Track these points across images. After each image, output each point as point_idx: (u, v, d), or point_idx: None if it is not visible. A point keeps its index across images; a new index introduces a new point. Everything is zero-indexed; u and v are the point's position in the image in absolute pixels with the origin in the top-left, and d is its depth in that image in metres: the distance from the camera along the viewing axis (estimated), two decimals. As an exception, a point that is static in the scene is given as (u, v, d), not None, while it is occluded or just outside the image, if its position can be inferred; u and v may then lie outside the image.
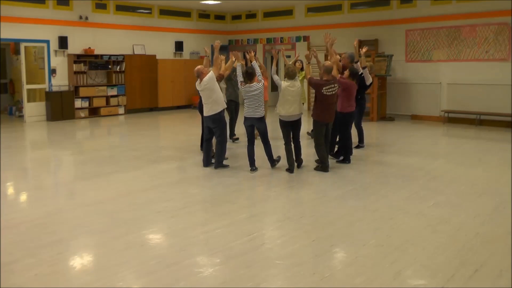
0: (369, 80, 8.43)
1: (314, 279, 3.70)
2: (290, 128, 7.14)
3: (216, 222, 5.14)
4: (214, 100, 7.13)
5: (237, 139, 9.84)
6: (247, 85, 7.04)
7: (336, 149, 7.97)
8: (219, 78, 7.81)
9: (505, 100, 11.61)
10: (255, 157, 7.23)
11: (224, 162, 7.46)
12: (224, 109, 7.29)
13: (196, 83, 7.29)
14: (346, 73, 7.71)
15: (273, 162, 7.29)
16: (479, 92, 12.10)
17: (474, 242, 4.46)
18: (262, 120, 7.08)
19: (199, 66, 7.31)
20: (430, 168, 7.46)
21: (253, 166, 7.14)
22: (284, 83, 6.98)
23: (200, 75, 7.18)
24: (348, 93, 7.61)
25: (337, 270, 3.89)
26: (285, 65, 7.19)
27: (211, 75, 7.11)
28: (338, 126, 7.66)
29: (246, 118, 7.09)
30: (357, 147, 8.88)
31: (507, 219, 5.04)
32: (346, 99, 7.62)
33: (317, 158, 7.32)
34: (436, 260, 4.03)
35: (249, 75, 7.04)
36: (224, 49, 18.51)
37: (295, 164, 7.19)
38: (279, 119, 7.14)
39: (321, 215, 5.30)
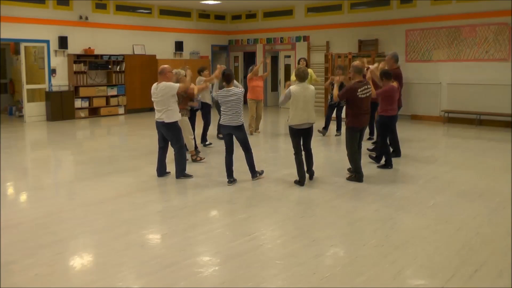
0: None
1: (314, 279, 3.70)
2: (301, 136, 6.46)
3: (216, 222, 5.14)
4: (169, 111, 6.57)
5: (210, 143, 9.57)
6: (225, 89, 6.45)
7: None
8: (187, 97, 7.29)
9: (505, 100, 11.61)
10: (253, 165, 6.76)
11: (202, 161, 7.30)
12: (178, 120, 6.74)
13: (153, 86, 6.65)
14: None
15: (254, 173, 6.67)
16: (479, 92, 12.10)
17: (474, 242, 4.46)
18: (240, 128, 6.42)
19: (166, 66, 6.68)
20: (430, 168, 7.45)
21: (230, 178, 6.52)
22: (293, 87, 6.29)
23: (161, 76, 6.56)
24: (389, 95, 7.29)
25: (337, 270, 3.88)
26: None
27: (173, 87, 6.49)
28: (379, 129, 7.46)
29: (223, 126, 6.51)
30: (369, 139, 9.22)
31: (507, 219, 5.04)
32: (387, 102, 7.33)
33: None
34: (436, 260, 4.03)
35: (227, 78, 6.45)
36: (224, 49, 18.55)
37: (307, 175, 6.56)
38: (289, 127, 6.43)
39: (321, 215, 5.30)
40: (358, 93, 6.39)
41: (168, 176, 7.01)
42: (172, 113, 6.61)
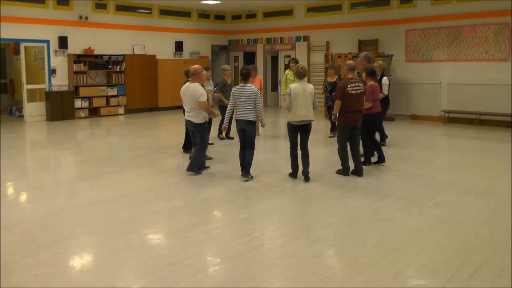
0: (385, 90, 8.52)
1: (314, 279, 3.70)
2: (299, 132, 6.67)
3: (216, 222, 5.14)
4: (196, 111, 6.87)
5: (232, 138, 9.89)
6: (241, 84, 6.69)
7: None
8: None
9: (505, 100, 11.61)
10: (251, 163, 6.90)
11: (207, 163, 7.34)
12: (206, 121, 7.06)
13: (186, 85, 6.97)
14: (364, 75, 7.62)
15: (247, 173, 6.76)
16: (479, 92, 12.10)
17: (474, 242, 4.46)
18: (252, 123, 6.64)
19: (198, 66, 7.05)
20: (430, 168, 7.46)
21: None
22: (293, 85, 6.54)
23: (194, 76, 6.88)
24: (372, 93, 7.41)
25: (337, 270, 3.89)
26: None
27: (200, 96, 6.75)
28: (363, 127, 7.48)
29: (237, 121, 6.69)
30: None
31: (507, 219, 5.04)
32: (369, 100, 7.41)
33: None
34: (436, 260, 4.03)
35: (244, 75, 6.69)
36: (224, 49, 18.55)
37: (302, 177, 6.70)
38: (288, 123, 6.66)
39: (321, 215, 5.30)
40: (348, 89, 6.64)
41: (169, 176, 7.02)
42: (199, 114, 6.89)
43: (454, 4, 12.51)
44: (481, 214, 5.25)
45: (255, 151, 6.91)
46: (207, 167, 7.34)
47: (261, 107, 6.67)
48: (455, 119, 12.51)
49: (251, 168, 6.85)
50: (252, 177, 6.81)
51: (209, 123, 9.40)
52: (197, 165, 7.07)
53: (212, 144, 9.45)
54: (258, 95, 6.63)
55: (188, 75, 8.03)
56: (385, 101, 8.73)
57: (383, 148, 8.68)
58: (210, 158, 7.92)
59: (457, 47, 12.51)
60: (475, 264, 3.95)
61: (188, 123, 7.05)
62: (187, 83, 7.05)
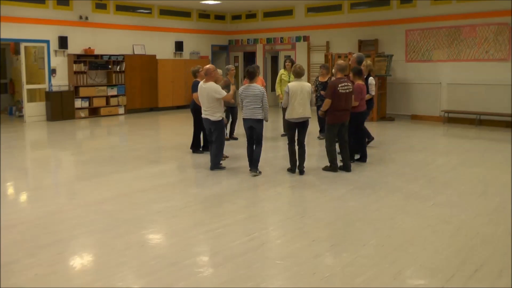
0: (372, 91, 8.49)
1: (314, 279, 3.70)
2: (297, 129, 6.95)
3: (216, 222, 5.13)
4: (213, 110, 6.99)
5: (236, 139, 9.92)
6: (247, 84, 6.89)
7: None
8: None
9: (505, 100, 11.61)
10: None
11: (223, 163, 7.37)
12: (223, 118, 7.20)
13: (200, 84, 7.13)
14: (351, 75, 7.69)
15: (256, 168, 6.96)
16: (479, 92, 12.10)
17: (474, 242, 4.46)
18: (260, 121, 6.84)
19: (210, 66, 7.12)
20: (430, 168, 7.46)
21: (252, 167, 6.98)
22: (291, 84, 6.81)
23: (207, 76, 6.97)
24: (358, 92, 7.51)
25: (337, 270, 3.88)
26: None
27: (218, 93, 6.90)
28: (349, 126, 7.54)
29: (244, 120, 6.86)
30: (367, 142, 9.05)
31: (507, 219, 5.04)
32: (356, 99, 7.52)
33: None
34: (436, 260, 4.03)
35: (250, 74, 6.89)
36: (224, 49, 18.55)
37: (297, 170, 6.98)
38: (287, 120, 6.98)
39: (321, 215, 5.30)
40: (338, 88, 6.80)
41: (169, 176, 7.01)
42: (216, 112, 7.00)
43: (454, 4, 12.51)
44: (481, 214, 5.25)
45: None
46: (223, 167, 7.33)
47: (267, 106, 6.89)
48: (455, 119, 12.51)
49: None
50: (260, 172, 6.99)
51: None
52: (219, 162, 7.24)
53: (236, 139, 9.73)
54: (264, 94, 6.80)
55: (196, 75, 8.14)
56: (370, 101, 8.69)
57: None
58: (226, 157, 7.91)
59: (457, 47, 12.51)
60: (475, 264, 3.95)
61: (206, 121, 7.14)
62: (201, 83, 7.10)
